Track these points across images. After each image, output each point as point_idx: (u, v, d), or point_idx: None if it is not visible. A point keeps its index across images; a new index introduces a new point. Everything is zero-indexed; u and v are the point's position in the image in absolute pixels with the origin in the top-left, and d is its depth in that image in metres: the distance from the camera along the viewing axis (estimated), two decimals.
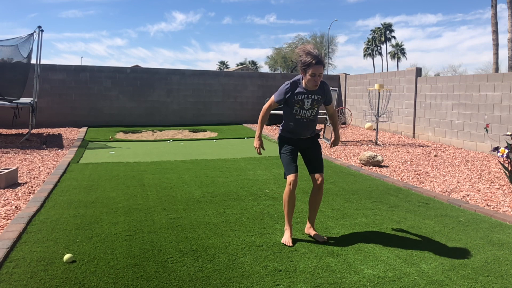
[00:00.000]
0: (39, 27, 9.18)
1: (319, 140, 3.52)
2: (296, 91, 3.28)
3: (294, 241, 3.38)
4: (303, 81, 3.28)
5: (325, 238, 3.42)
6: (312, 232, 3.46)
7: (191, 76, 13.50)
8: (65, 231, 3.54)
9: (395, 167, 6.73)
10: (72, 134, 10.52)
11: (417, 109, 10.70)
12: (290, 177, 3.29)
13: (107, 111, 12.65)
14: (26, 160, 6.80)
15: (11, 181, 5.16)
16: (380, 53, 65.71)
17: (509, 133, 6.00)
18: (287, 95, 3.30)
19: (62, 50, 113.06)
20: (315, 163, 3.44)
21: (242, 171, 6.15)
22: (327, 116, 10.16)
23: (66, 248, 3.17)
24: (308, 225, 3.52)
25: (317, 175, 3.40)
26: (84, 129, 11.47)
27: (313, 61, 3.12)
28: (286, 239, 3.33)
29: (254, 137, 10.62)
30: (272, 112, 12.25)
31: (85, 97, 12.44)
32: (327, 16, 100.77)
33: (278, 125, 12.80)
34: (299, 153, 3.49)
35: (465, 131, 9.10)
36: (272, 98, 3.40)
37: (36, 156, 7.13)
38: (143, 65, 70.66)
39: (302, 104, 3.31)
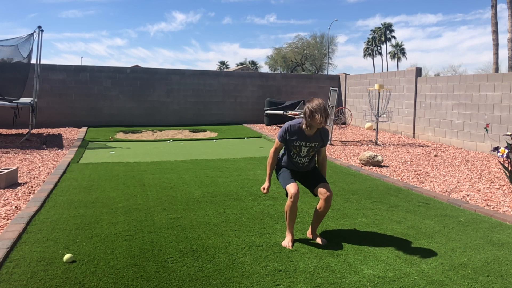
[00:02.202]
0: (39, 27, 9.18)
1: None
2: (295, 136, 3.29)
3: (294, 241, 3.38)
4: (304, 127, 3.26)
5: (326, 241, 3.39)
6: (314, 237, 3.45)
7: (191, 76, 13.50)
8: (65, 231, 3.54)
9: (395, 167, 6.73)
10: (72, 134, 10.52)
11: (417, 109, 10.70)
12: (290, 189, 3.19)
13: (107, 111, 12.65)
14: (26, 160, 6.80)
15: (11, 181, 5.16)
16: (380, 53, 65.73)
17: (509, 133, 6.00)
18: (288, 136, 3.30)
19: (62, 50, 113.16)
20: (317, 178, 3.38)
21: (242, 171, 6.15)
22: None
23: (66, 248, 3.17)
24: (310, 230, 3.50)
25: (322, 188, 3.28)
26: (84, 129, 11.47)
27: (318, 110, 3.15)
28: (286, 243, 3.31)
29: (254, 137, 10.65)
30: (272, 112, 12.34)
31: (85, 97, 12.44)
32: (327, 16, 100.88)
33: (278, 125, 12.80)
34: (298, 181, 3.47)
35: (465, 131, 9.10)
36: (276, 140, 3.38)
37: (36, 156, 7.13)
38: (143, 65, 70.70)
39: (299, 151, 3.33)
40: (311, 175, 3.45)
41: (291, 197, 3.19)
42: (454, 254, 3.18)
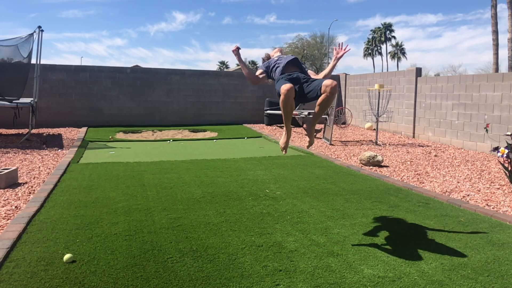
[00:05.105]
0: (39, 27, 9.17)
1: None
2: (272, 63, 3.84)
3: (294, 241, 3.38)
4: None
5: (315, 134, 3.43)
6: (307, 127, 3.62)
7: (191, 76, 13.50)
8: (65, 231, 3.54)
9: (395, 167, 6.73)
10: (72, 134, 10.52)
11: (417, 109, 10.70)
12: (283, 87, 3.19)
13: (107, 111, 12.65)
14: (26, 160, 6.80)
15: (11, 181, 5.16)
16: (380, 53, 65.74)
17: (509, 133, 6.00)
18: (269, 66, 3.82)
19: (62, 50, 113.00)
20: (315, 81, 3.38)
21: (242, 171, 6.15)
22: (326, 116, 10.15)
23: (66, 248, 3.17)
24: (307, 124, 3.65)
25: (325, 82, 3.19)
26: (84, 129, 11.47)
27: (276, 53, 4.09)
28: (282, 143, 3.66)
29: (254, 137, 10.64)
30: (271, 112, 12.34)
31: (85, 97, 12.44)
32: (327, 16, 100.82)
33: (278, 125, 12.80)
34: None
35: (465, 131, 9.10)
36: (259, 70, 3.95)
37: (36, 156, 7.13)
38: (143, 65, 70.46)
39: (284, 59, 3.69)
40: (308, 83, 3.43)
41: (283, 93, 3.18)
42: (454, 254, 3.18)
